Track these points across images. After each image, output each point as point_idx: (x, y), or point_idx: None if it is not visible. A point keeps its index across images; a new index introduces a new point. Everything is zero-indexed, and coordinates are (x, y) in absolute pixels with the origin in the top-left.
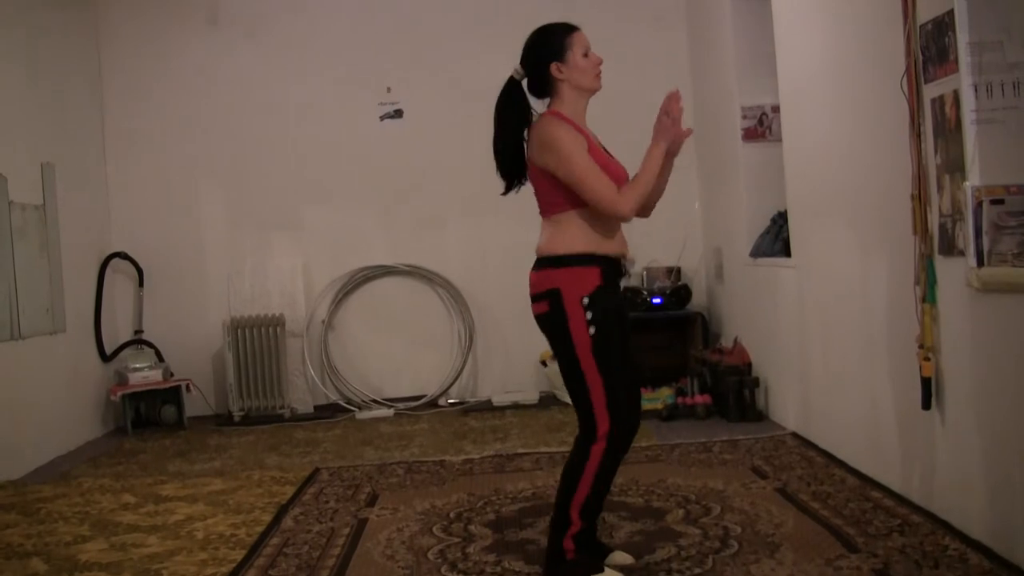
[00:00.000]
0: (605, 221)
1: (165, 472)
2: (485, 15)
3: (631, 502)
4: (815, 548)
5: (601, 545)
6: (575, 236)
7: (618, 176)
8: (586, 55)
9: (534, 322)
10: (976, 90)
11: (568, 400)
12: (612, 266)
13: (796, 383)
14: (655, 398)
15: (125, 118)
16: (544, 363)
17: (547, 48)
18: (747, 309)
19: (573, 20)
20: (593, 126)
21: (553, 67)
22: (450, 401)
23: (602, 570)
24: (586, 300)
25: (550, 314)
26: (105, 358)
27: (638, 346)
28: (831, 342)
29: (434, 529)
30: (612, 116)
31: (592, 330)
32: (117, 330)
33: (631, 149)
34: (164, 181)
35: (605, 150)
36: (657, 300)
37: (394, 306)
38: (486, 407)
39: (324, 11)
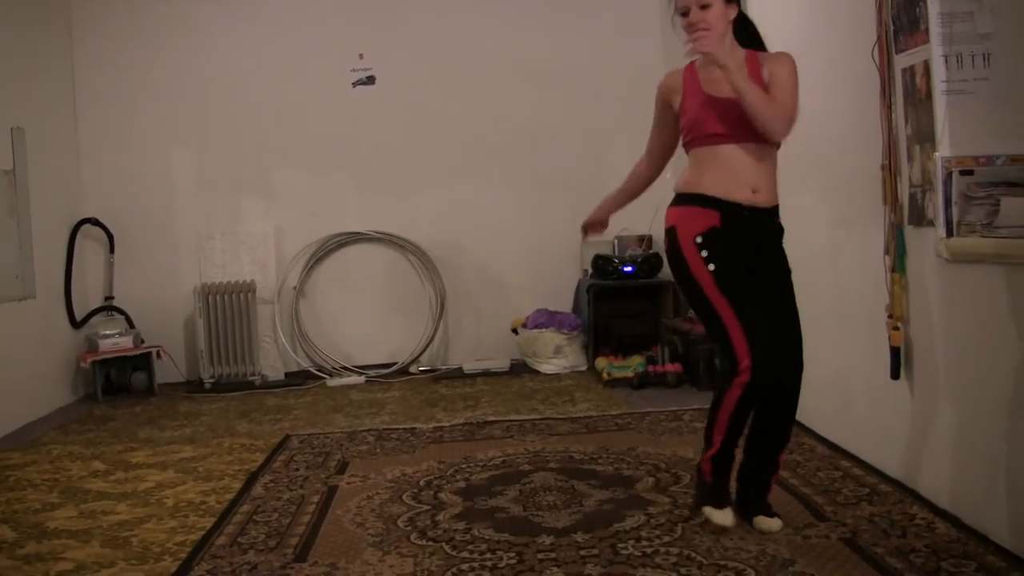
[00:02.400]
0: (712, 160)
1: (135, 439)
2: None
3: (601, 470)
4: (784, 517)
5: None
6: (685, 176)
7: (697, 110)
8: (683, 14)
9: (506, 290)
10: (946, 60)
11: (540, 368)
12: (732, 210)
13: None
14: (626, 366)
15: (96, 82)
16: (515, 331)
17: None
18: None
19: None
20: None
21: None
22: (421, 368)
23: (723, 507)
24: (699, 239)
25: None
26: (75, 324)
27: (610, 313)
28: (801, 311)
29: (404, 497)
30: (587, 82)
31: (711, 267)
32: (87, 296)
33: (600, 112)
34: (135, 145)
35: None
36: (628, 268)
37: (366, 273)
38: (457, 375)
39: None
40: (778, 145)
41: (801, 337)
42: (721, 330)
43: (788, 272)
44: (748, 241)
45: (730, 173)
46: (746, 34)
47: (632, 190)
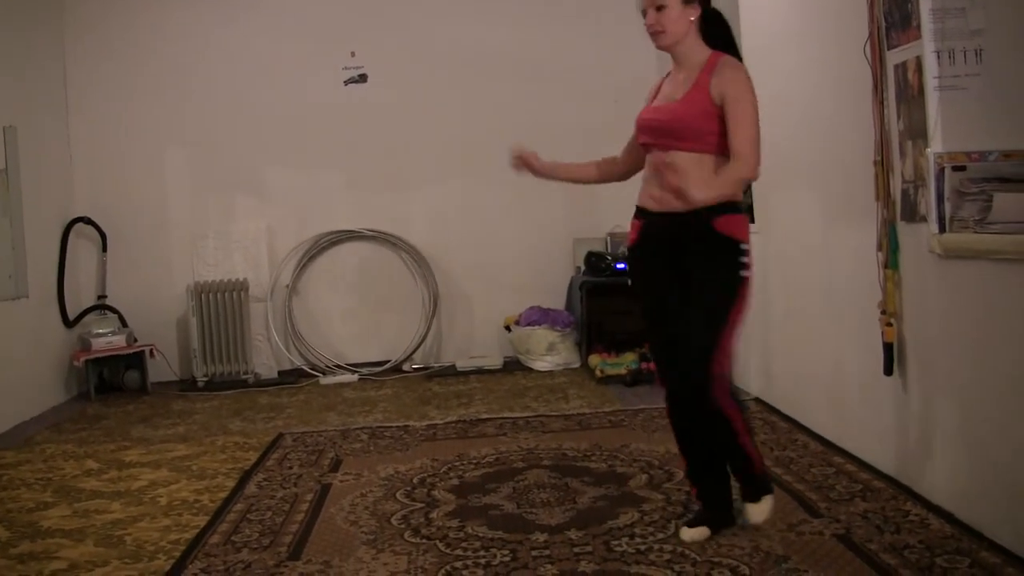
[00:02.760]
0: (648, 171)
1: (128, 438)
2: None
3: (594, 467)
4: (778, 513)
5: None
6: None
7: (639, 127)
8: (643, 13)
9: (499, 287)
10: (939, 56)
11: (533, 365)
12: (647, 219)
13: (759, 349)
14: (619, 363)
15: (88, 80)
16: (508, 328)
17: None
18: None
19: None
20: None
21: None
22: (414, 366)
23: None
24: (628, 253)
25: None
26: (68, 323)
27: (602, 310)
28: (794, 308)
29: (397, 494)
30: (579, 81)
31: (629, 282)
32: (80, 295)
33: (594, 110)
34: (128, 144)
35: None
36: (621, 265)
37: (358, 271)
38: (450, 372)
39: None
40: (724, 153)
41: (703, 348)
42: None
43: (707, 278)
44: (667, 249)
45: (648, 182)
46: (715, 34)
47: (582, 175)
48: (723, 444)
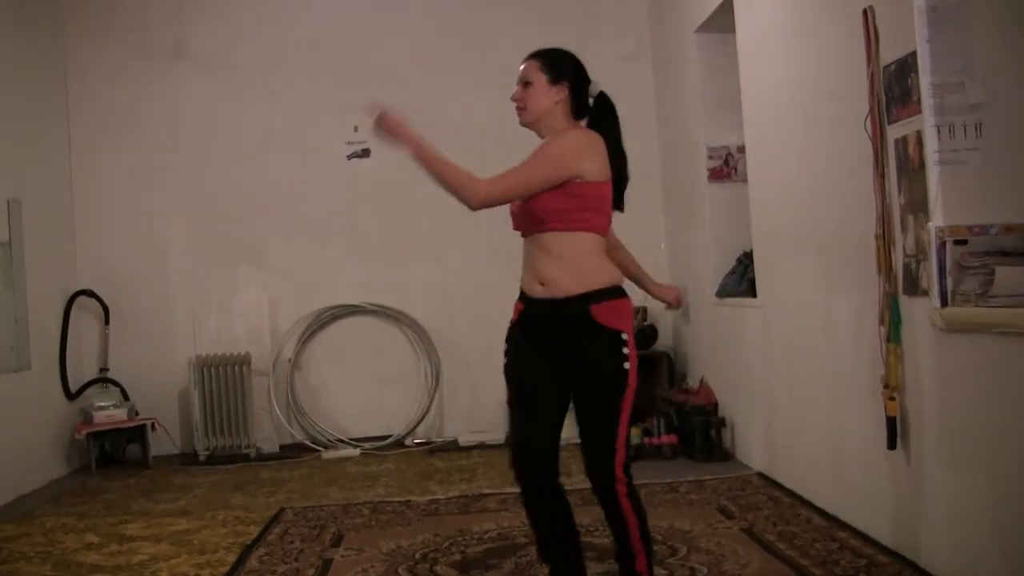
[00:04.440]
0: (525, 256)
1: (129, 511)
2: (449, 54)
3: (598, 542)
4: None
5: None
6: None
7: (511, 213)
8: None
9: (500, 361)
10: (939, 131)
11: None
12: (528, 303)
13: (762, 423)
14: None
15: (92, 153)
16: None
17: None
18: (713, 349)
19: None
20: None
21: None
22: (416, 441)
23: None
24: (508, 332)
25: None
26: (70, 396)
27: None
28: (797, 382)
29: (400, 570)
30: None
31: (504, 360)
32: (82, 368)
33: None
34: (131, 217)
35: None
36: None
37: (361, 345)
38: (452, 447)
39: (292, 47)
40: (599, 230)
41: (606, 442)
42: None
43: (591, 375)
44: (542, 336)
45: (528, 266)
46: (599, 120)
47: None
48: (623, 542)
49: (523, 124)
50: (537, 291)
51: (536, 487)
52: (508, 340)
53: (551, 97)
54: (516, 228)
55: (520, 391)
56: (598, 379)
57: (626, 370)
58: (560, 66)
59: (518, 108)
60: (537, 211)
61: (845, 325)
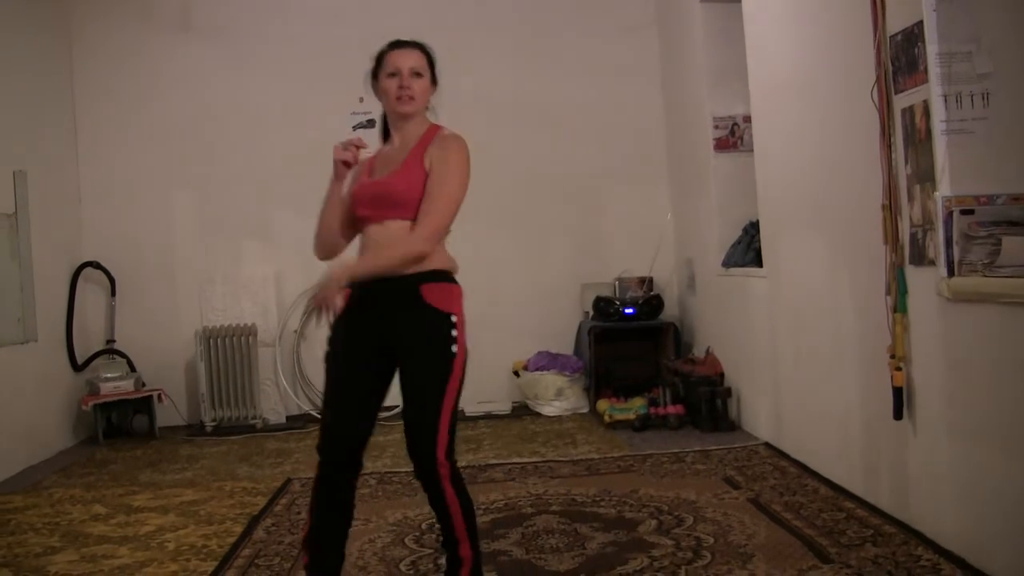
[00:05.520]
0: (362, 242)
1: (136, 482)
2: (455, 25)
3: (603, 512)
4: (788, 559)
5: None
6: None
7: (356, 199)
8: (391, 75)
9: (507, 332)
10: (945, 100)
11: (541, 410)
12: (357, 289)
13: (768, 393)
14: (627, 408)
15: (97, 125)
16: (517, 373)
17: (373, 67)
18: (719, 319)
19: (542, 33)
20: (569, 140)
21: (372, 85)
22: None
23: None
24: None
25: None
26: (77, 368)
27: (611, 355)
28: (803, 352)
29: (406, 540)
30: (587, 126)
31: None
32: (89, 340)
33: (600, 156)
34: (136, 189)
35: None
36: (630, 310)
37: None
38: (459, 417)
39: (296, 19)
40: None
41: (428, 423)
42: None
43: (418, 357)
44: (371, 320)
45: (364, 253)
46: None
47: (331, 223)
48: (448, 527)
49: (403, 113)
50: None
51: (340, 475)
52: (334, 328)
53: (428, 95)
54: (362, 212)
55: (338, 378)
56: (424, 359)
57: (454, 353)
58: (435, 68)
59: (406, 96)
60: (397, 197)
61: (851, 295)
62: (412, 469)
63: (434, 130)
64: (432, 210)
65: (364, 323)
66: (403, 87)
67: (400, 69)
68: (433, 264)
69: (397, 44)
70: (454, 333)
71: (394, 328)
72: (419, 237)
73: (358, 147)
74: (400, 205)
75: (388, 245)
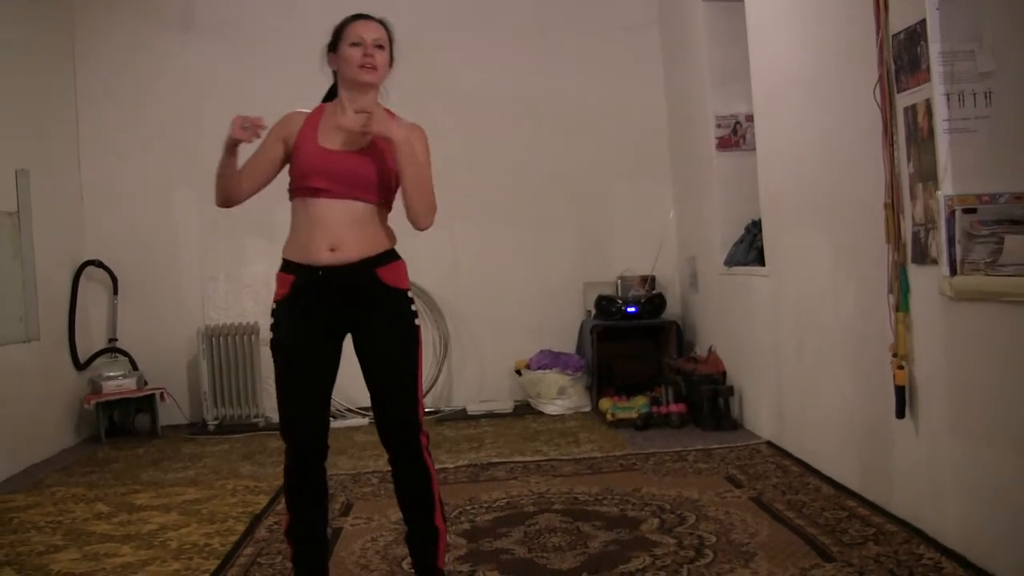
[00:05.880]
0: (304, 217)
1: (139, 481)
2: (459, 19)
3: (606, 511)
4: (790, 557)
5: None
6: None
7: (309, 167)
8: (354, 44)
9: (509, 331)
10: (948, 99)
11: (543, 409)
12: (306, 274)
13: (770, 392)
14: (630, 407)
15: (99, 123)
16: (519, 372)
17: (331, 40)
18: (721, 318)
19: (545, 31)
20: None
21: (328, 58)
22: (425, 410)
23: None
24: (273, 306)
25: None
26: (79, 366)
27: (613, 354)
28: (805, 350)
29: None
30: (589, 124)
31: (272, 336)
32: (91, 338)
33: (603, 154)
34: (139, 187)
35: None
36: (632, 309)
37: None
38: (461, 416)
39: (299, 16)
40: (390, 207)
41: (410, 397)
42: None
43: (387, 334)
44: (324, 305)
45: (313, 232)
46: None
47: (228, 180)
48: (425, 499)
49: (364, 82)
50: (324, 258)
51: (313, 462)
52: (276, 314)
53: (387, 70)
54: (316, 183)
55: (297, 368)
56: (393, 337)
57: (416, 326)
58: (394, 45)
59: (369, 64)
60: (368, 183)
61: (854, 294)
62: (384, 445)
63: (390, 113)
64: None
65: (314, 310)
66: (367, 55)
67: (364, 39)
68: (385, 245)
69: (358, 16)
70: (413, 308)
71: (350, 313)
72: (433, 207)
73: (258, 126)
74: (368, 188)
75: (424, 192)
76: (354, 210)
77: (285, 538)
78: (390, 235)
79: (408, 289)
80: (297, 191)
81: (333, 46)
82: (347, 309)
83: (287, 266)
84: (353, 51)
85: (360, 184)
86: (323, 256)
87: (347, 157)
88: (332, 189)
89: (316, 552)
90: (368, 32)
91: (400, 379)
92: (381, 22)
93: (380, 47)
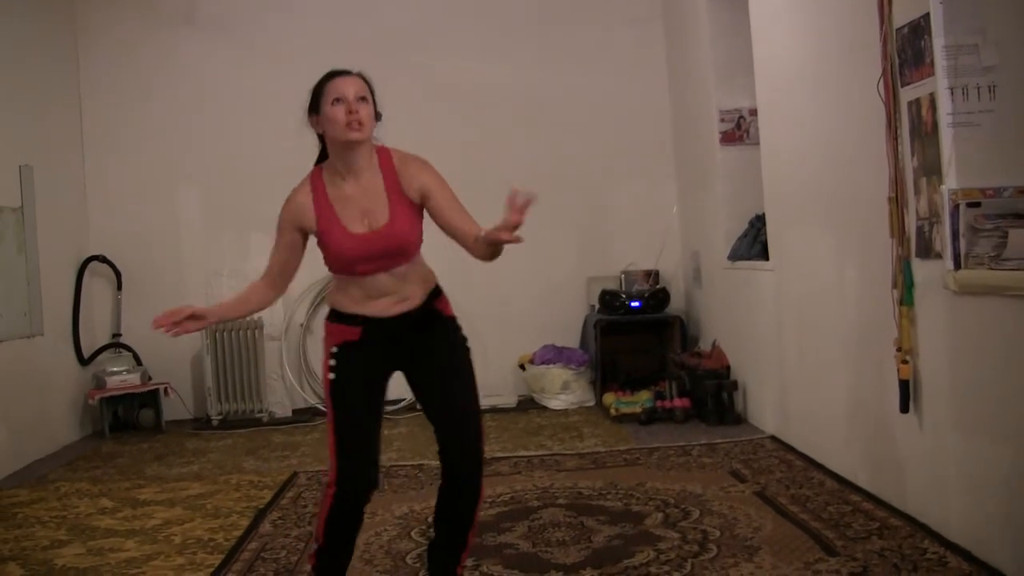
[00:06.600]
0: (356, 286)
1: (143, 476)
2: (459, 17)
3: (610, 506)
4: (794, 551)
5: None
6: (333, 292)
7: (350, 257)
8: (337, 102)
9: (512, 326)
10: (952, 93)
11: (547, 404)
12: (374, 322)
13: (774, 386)
14: (634, 402)
15: (103, 119)
16: (522, 367)
17: (310, 101)
18: (725, 312)
19: (547, 26)
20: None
21: (311, 120)
22: None
23: None
24: (334, 349)
25: None
26: (83, 361)
27: (617, 349)
28: (809, 345)
29: (412, 533)
30: (592, 119)
31: (331, 376)
32: (95, 333)
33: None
34: (142, 183)
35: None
36: (635, 303)
37: None
38: None
39: (302, 11)
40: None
41: (476, 422)
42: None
43: (452, 361)
44: (388, 347)
45: (371, 296)
46: None
47: (248, 306)
48: (469, 519)
49: (353, 141)
50: (393, 310)
51: (361, 501)
52: (339, 358)
53: (373, 124)
54: (364, 269)
55: (355, 409)
56: (456, 364)
57: (470, 350)
58: (375, 96)
59: (355, 121)
60: (408, 246)
61: (858, 288)
62: (445, 466)
63: (386, 154)
64: (469, 217)
65: (377, 352)
66: (352, 112)
67: (346, 95)
68: (434, 280)
69: (336, 73)
70: (463, 333)
71: (412, 347)
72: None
73: (183, 318)
74: (408, 252)
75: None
76: (403, 271)
77: (310, 557)
78: (430, 269)
79: (456, 317)
80: (340, 272)
81: (314, 107)
82: (405, 348)
83: (347, 318)
84: (336, 110)
85: (401, 252)
86: (392, 310)
87: (380, 237)
88: (378, 267)
89: (339, 566)
90: (349, 87)
91: (469, 405)
92: (360, 75)
93: (363, 99)
